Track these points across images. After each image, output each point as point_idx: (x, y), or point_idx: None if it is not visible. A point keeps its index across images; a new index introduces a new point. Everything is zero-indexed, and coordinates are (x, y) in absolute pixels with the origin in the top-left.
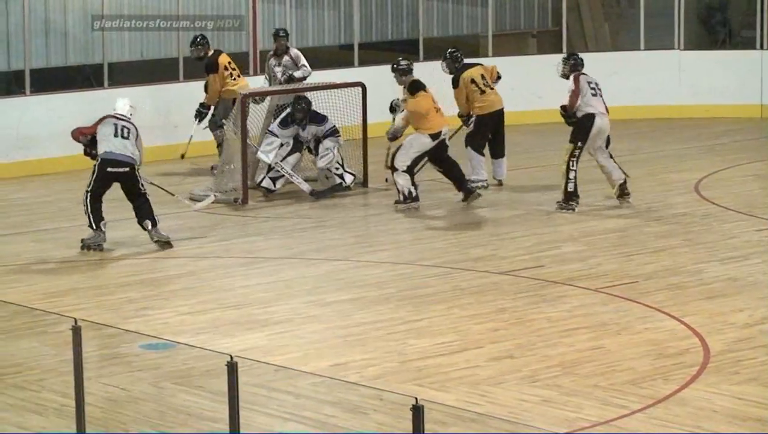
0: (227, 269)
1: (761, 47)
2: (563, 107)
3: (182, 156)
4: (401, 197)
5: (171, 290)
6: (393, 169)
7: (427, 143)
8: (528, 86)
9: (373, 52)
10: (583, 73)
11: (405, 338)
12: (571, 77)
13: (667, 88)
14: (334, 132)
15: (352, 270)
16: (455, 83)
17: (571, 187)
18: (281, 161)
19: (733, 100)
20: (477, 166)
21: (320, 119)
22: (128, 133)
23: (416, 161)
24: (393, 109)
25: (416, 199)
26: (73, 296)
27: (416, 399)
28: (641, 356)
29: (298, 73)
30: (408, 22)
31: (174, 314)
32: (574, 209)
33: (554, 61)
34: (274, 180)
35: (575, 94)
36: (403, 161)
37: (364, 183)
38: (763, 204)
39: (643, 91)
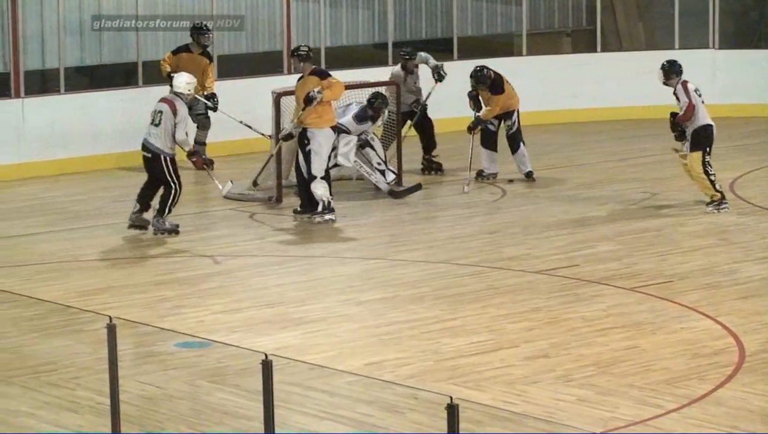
0: (261, 268)
1: None
2: (677, 116)
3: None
4: (320, 208)
5: (206, 289)
6: (311, 178)
7: (332, 136)
8: (562, 85)
9: None
10: (686, 80)
11: (439, 337)
12: (680, 86)
13: (702, 87)
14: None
15: (387, 269)
16: (501, 87)
17: (719, 186)
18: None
19: None
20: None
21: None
22: (159, 119)
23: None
24: (310, 100)
25: (333, 210)
26: (108, 295)
27: (451, 397)
28: (676, 355)
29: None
30: (442, 20)
31: (209, 313)
32: (727, 207)
33: (588, 60)
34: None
35: (691, 106)
36: (321, 167)
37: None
38: None
39: None
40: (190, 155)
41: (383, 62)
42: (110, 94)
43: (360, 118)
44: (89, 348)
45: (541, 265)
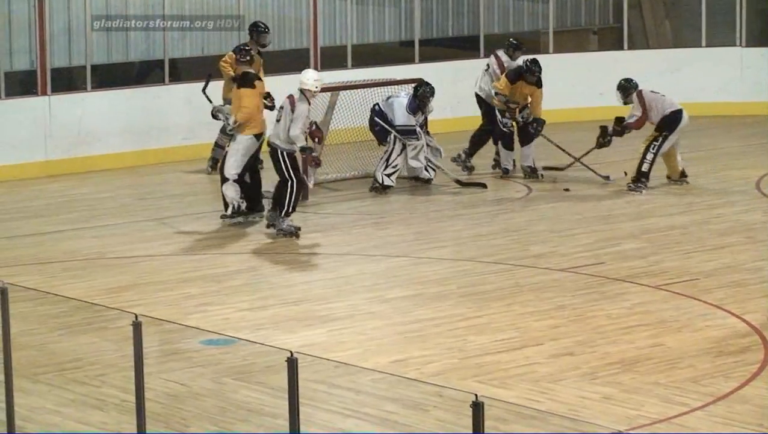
0: (287, 266)
1: None
2: (623, 122)
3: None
4: (230, 211)
5: (231, 286)
6: (224, 179)
7: (252, 145)
8: (589, 83)
9: (434, 49)
10: (641, 89)
11: (465, 334)
12: (635, 97)
13: (729, 85)
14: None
15: (412, 267)
16: (541, 83)
17: (645, 168)
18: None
19: None
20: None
21: None
22: (280, 116)
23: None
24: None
25: (243, 213)
26: (134, 292)
27: (476, 395)
28: (702, 353)
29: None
30: (469, 18)
31: (234, 310)
32: (641, 191)
33: (615, 57)
34: (389, 175)
35: (643, 118)
36: (234, 169)
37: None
38: None
39: (705, 88)
40: (303, 150)
41: (410, 60)
42: (136, 92)
43: (412, 109)
44: (115, 346)
45: (567, 263)
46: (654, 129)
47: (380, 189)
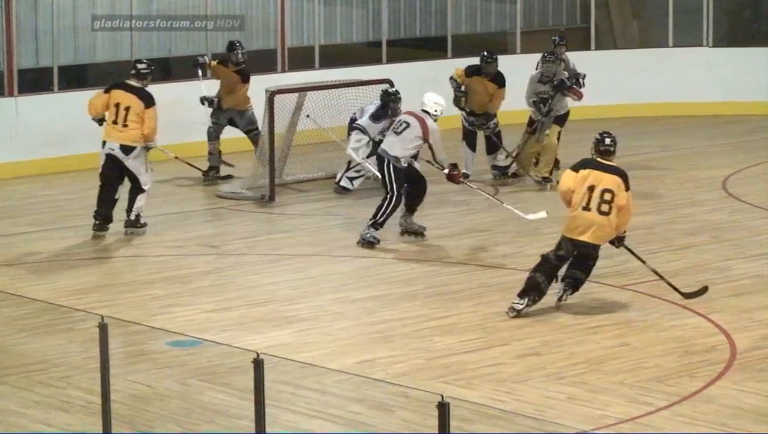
0: (253, 266)
1: None
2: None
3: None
4: (138, 218)
5: (197, 288)
6: (141, 190)
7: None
8: None
9: (401, 50)
10: None
11: (431, 335)
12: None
13: (696, 84)
14: None
15: (379, 267)
16: (504, 82)
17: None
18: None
19: (762, 96)
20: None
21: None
22: (403, 129)
23: None
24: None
25: (145, 225)
26: (100, 294)
27: (442, 396)
28: (667, 353)
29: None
30: (436, 18)
31: (200, 312)
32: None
33: (583, 58)
34: (352, 180)
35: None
36: (150, 180)
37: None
38: None
39: (672, 88)
40: (454, 167)
41: (377, 61)
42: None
43: (376, 117)
44: (80, 347)
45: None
46: (554, 122)
47: (340, 189)
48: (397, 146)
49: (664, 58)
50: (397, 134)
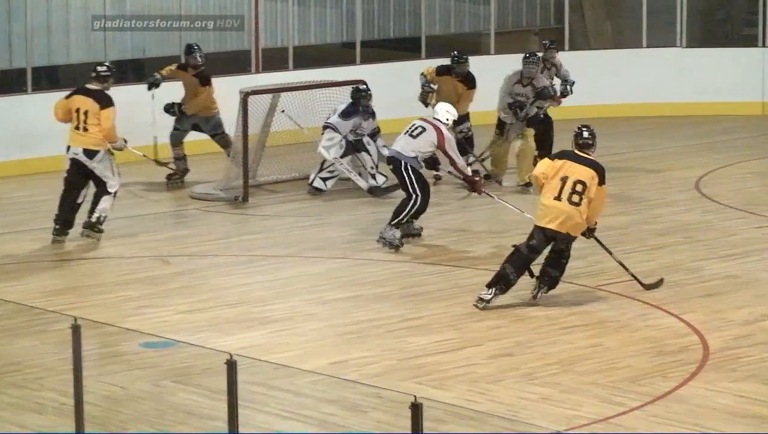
0: (226, 268)
1: (763, 45)
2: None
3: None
4: (99, 220)
5: (170, 289)
6: (108, 192)
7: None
8: None
9: (375, 50)
10: None
11: (404, 335)
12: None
13: (669, 85)
14: (378, 130)
15: (352, 268)
16: (474, 83)
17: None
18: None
19: (735, 97)
20: None
21: (374, 114)
22: (418, 134)
23: None
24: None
25: (102, 231)
26: (73, 295)
27: (415, 397)
28: (640, 353)
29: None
30: (410, 19)
31: (173, 313)
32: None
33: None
34: (325, 180)
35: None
36: (118, 183)
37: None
38: (763, 202)
39: (645, 89)
40: (476, 173)
41: (351, 61)
42: None
43: (346, 114)
44: (53, 349)
45: None
46: (528, 124)
47: (313, 190)
48: (412, 147)
49: (637, 58)
50: (413, 137)
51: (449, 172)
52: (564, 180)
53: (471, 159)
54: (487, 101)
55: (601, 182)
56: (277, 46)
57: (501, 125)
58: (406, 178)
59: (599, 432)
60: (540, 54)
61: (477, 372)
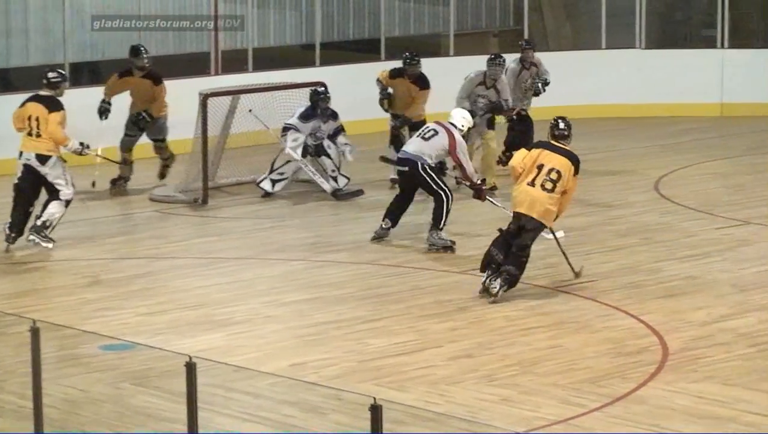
0: (186, 270)
1: (722, 46)
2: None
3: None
4: (46, 225)
5: (130, 291)
6: (59, 199)
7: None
8: None
9: (335, 52)
10: None
11: (364, 337)
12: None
13: (628, 86)
14: (342, 128)
15: (311, 270)
16: (428, 83)
17: None
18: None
19: (694, 98)
20: None
21: (336, 114)
22: (431, 136)
23: None
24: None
25: (52, 240)
26: (32, 298)
27: (374, 398)
28: (600, 354)
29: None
30: (369, 21)
31: (133, 315)
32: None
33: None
34: (274, 182)
35: None
36: (71, 192)
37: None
38: (722, 203)
39: (604, 90)
40: (484, 181)
41: (311, 63)
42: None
43: (305, 117)
44: (12, 351)
45: (466, 265)
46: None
47: (263, 193)
48: (425, 150)
49: (596, 60)
50: (425, 139)
51: (456, 177)
52: (540, 168)
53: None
54: (447, 103)
55: (576, 172)
56: (236, 48)
57: None
58: (428, 178)
59: (559, 433)
60: (503, 57)
61: (436, 374)
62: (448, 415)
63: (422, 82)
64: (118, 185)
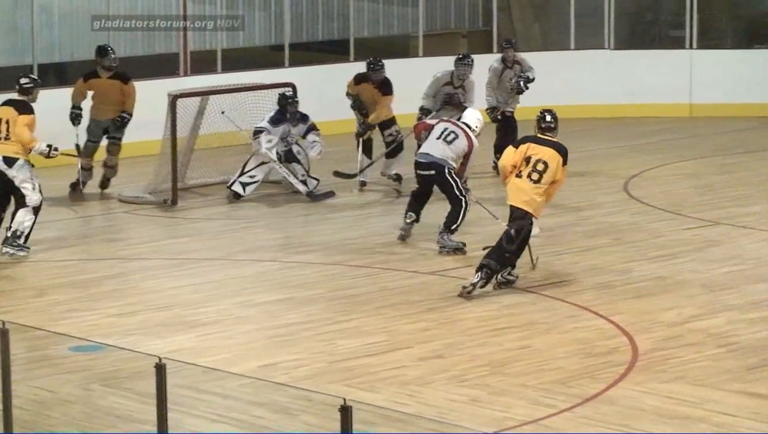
0: (156, 271)
1: (690, 47)
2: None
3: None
4: (17, 235)
5: (100, 292)
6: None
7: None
8: None
9: (304, 53)
10: None
11: (334, 338)
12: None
13: (597, 87)
14: (314, 126)
15: (281, 271)
16: (391, 88)
17: None
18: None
19: (663, 99)
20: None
21: (306, 117)
22: (453, 139)
23: None
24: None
25: (27, 248)
26: (2, 299)
27: (344, 399)
28: (569, 355)
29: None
30: (339, 22)
31: (103, 316)
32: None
33: (485, 61)
34: (244, 185)
35: None
36: (38, 198)
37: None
38: (691, 203)
39: (573, 91)
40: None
41: (280, 64)
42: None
43: (275, 121)
44: None
45: (436, 266)
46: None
47: (232, 196)
48: (449, 154)
49: (565, 60)
50: (448, 143)
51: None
52: (528, 160)
53: (366, 162)
54: (417, 104)
55: (565, 162)
56: (205, 48)
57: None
58: (452, 183)
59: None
60: (472, 57)
61: (406, 374)
62: (419, 416)
63: (385, 88)
64: (78, 190)
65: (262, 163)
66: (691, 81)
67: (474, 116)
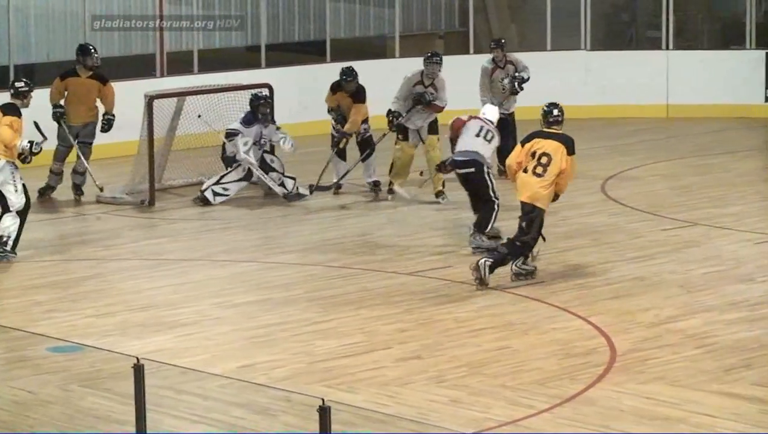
0: (134, 272)
1: (667, 48)
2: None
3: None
4: (11, 243)
5: (78, 293)
6: (9, 210)
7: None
8: None
9: (280, 54)
10: None
11: (313, 339)
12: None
13: (574, 88)
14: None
15: (260, 272)
16: (365, 96)
17: None
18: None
19: (639, 100)
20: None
21: (273, 117)
22: (491, 137)
23: None
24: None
25: (14, 253)
26: None
27: (323, 400)
28: (548, 356)
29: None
30: (315, 23)
31: (81, 317)
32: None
33: (461, 62)
34: (215, 194)
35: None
36: (20, 202)
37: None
38: (669, 204)
39: (550, 92)
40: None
41: (256, 65)
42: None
43: (247, 122)
44: None
45: (414, 266)
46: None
47: (200, 200)
48: (487, 153)
49: (542, 61)
50: (488, 141)
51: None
52: (533, 154)
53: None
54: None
55: (571, 151)
56: (182, 49)
57: (404, 130)
58: (489, 182)
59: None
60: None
61: (386, 375)
62: (398, 416)
63: (357, 97)
64: (47, 195)
65: (240, 180)
66: (667, 82)
67: (494, 111)
